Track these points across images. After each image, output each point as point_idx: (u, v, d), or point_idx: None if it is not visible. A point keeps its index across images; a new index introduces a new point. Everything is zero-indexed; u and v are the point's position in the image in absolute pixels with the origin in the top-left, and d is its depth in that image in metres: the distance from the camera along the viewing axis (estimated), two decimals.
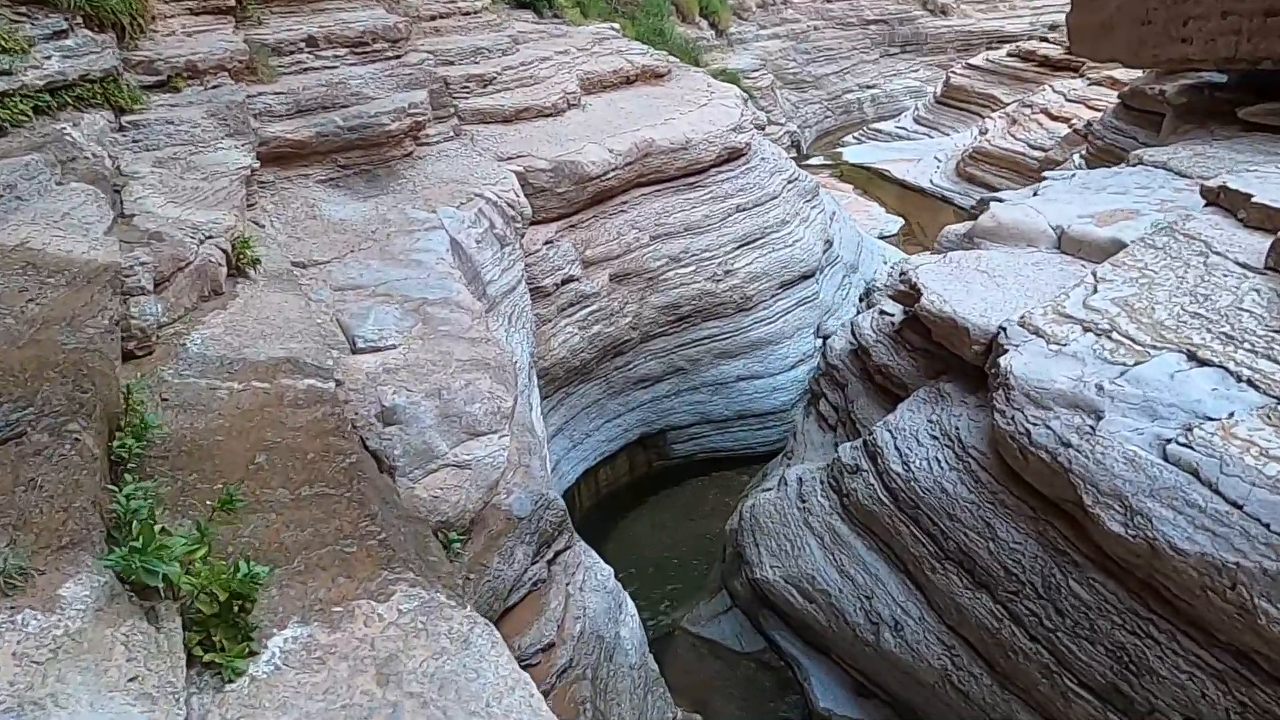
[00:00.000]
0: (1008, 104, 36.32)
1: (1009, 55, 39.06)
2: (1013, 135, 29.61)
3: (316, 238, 9.51)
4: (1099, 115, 25.53)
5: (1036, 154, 28.03)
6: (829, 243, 17.43)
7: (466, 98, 14.35)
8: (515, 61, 15.85)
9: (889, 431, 8.39)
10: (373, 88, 12.06)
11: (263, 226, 9.26)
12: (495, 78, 14.95)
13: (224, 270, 7.00)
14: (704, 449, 15.28)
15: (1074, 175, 11.60)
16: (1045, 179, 11.56)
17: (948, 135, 37.71)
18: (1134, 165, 12.22)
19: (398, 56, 12.79)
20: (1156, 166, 11.74)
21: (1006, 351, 7.27)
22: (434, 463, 6.21)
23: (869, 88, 47.93)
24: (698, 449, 15.27)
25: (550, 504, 6.96)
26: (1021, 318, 7.65)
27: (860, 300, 11.43)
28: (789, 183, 17.47)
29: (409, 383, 6.74)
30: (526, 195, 12.60)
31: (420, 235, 9.80)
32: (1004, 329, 7.63)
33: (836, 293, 16.94)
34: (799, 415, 10.76)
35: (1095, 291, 7.71)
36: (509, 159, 13.32)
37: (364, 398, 6.53)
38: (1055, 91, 31.37)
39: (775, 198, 16.48)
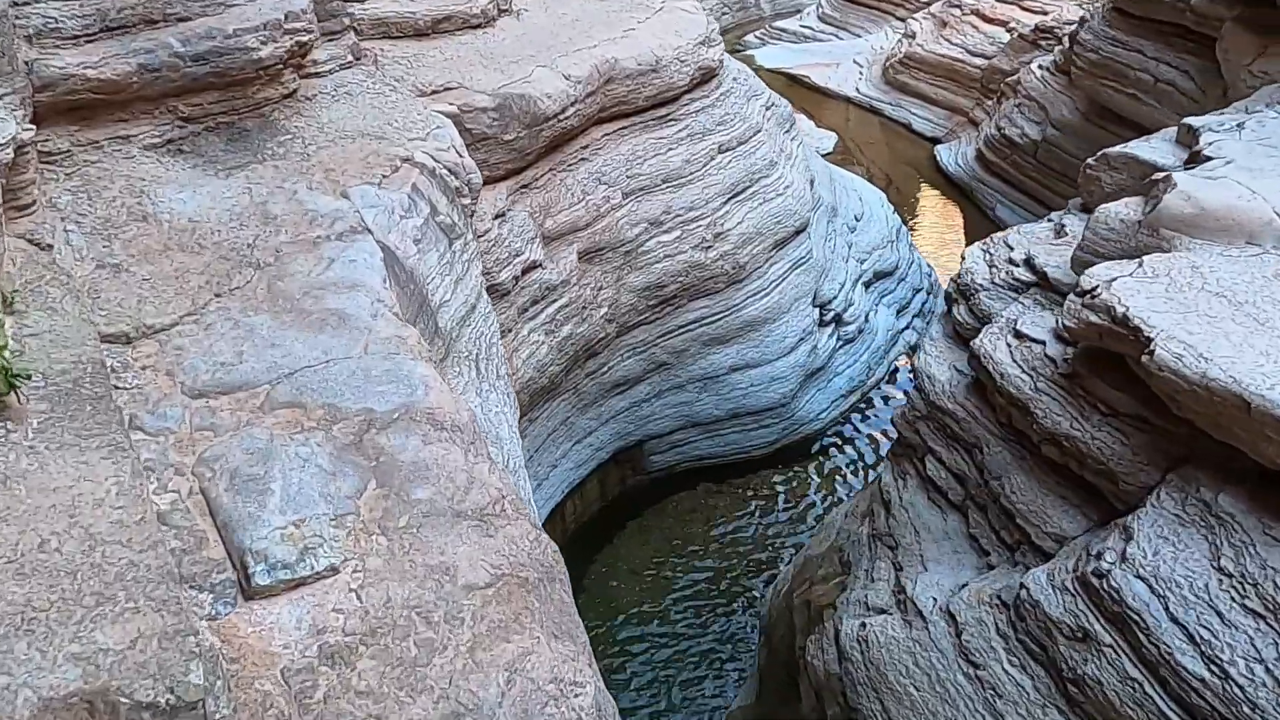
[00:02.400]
0: (928, 3, 33.00)
1: None
2: (946, 39, 26.28)
3: (148, 262, 5.31)
4: (1062, 21, 22.47)
5: (978, 60, 24.81)
6: (811, 183, 13.82)
7: (364, 2, 9.89)
8: None
9: (1142, 580, 5.05)
10: None
11: (49, 249, 5.01)
12: None
13: None
14: (688, 458, 11.78)
15: (1242, 124, 8.25)
16: (1197, 130, 8.12)
17: (860, 36, 34.16)
18: None
19: None
20: None
21: None
22: None
23: None
24: (680, 458, 11.76)
25: None
26: None
27: (948, 305, 7.95)
28: (766, 109, 13.67)
29: (387, 699, 2.92)
30: (466, 148, 8.49)
31: (332, 247, 5.70)
32: None
33: (825, 245, 13.43)
34: (887, 474, 7.41)
35: None
36: (435, 94, 9.07)
37: None
38: None
39: (759, 131, 12.68)
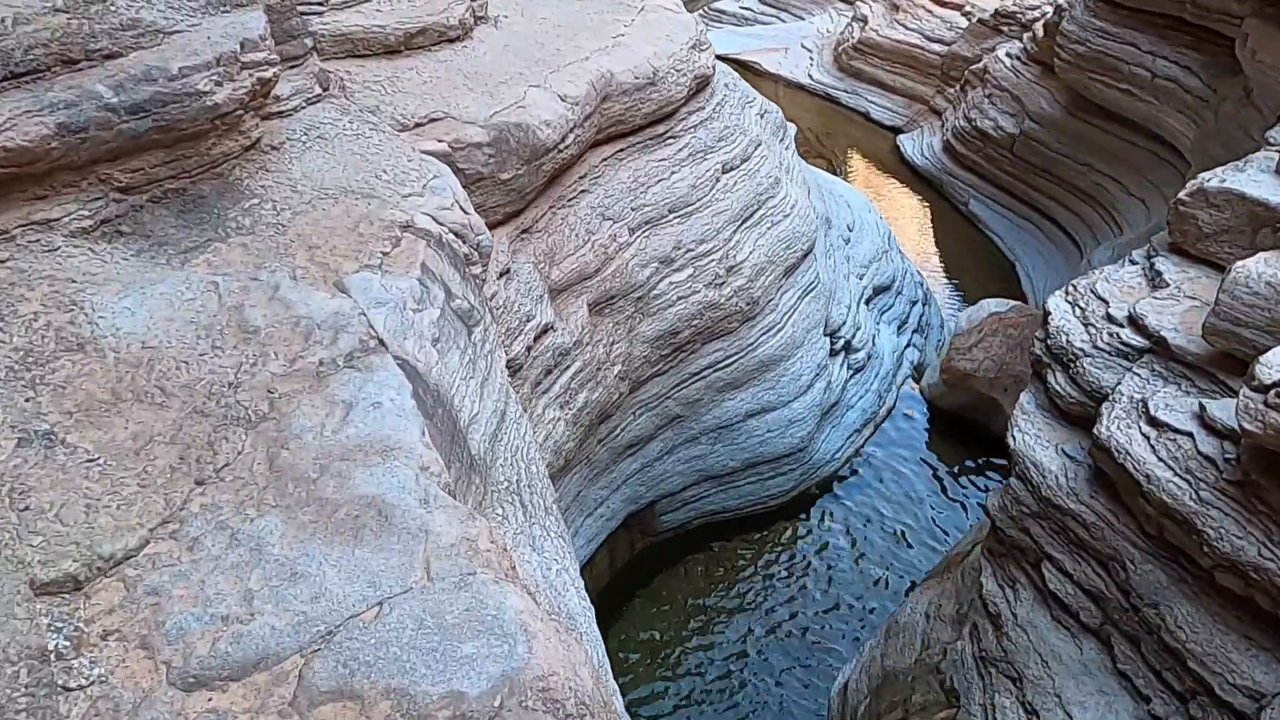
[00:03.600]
0: None
1: None
2: (901, 24, 25.20)
3: (92, 425, 3.73)
4: (1025, 5, 21.52)
5: (936, 47, 23.80)
6: (806, 192, 12.54)
7: (322, 11, 8.21)
8: None
9: None
10: (160, 7, 5.96)
11: None
12: None
13: None
14: (701, 513, 10.48)
15: None
16: None
17: (802, 19, 32.97)
18: None
19: None
20: None
21: None
22: None
23: None
24: (693, 515, 10.44)
25: None
26: None
27: (1037, 371, 6.68)
28: (761, 117, 12.32)
29: None
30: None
31: (343, 381, 4.18)
32: None
33: (828, 264, 12.19)
34: (989, 580, 6.13)
35: None
36: (418, 127, 7.49)
37: None
38: None
39: (759, 145, 11.32)
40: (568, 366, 7.92)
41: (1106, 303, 6.97)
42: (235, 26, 6.10)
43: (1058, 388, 6.63)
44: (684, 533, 10.48)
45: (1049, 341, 6.93)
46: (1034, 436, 6.50)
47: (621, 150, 9.69)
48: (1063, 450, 6.31)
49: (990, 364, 11.71)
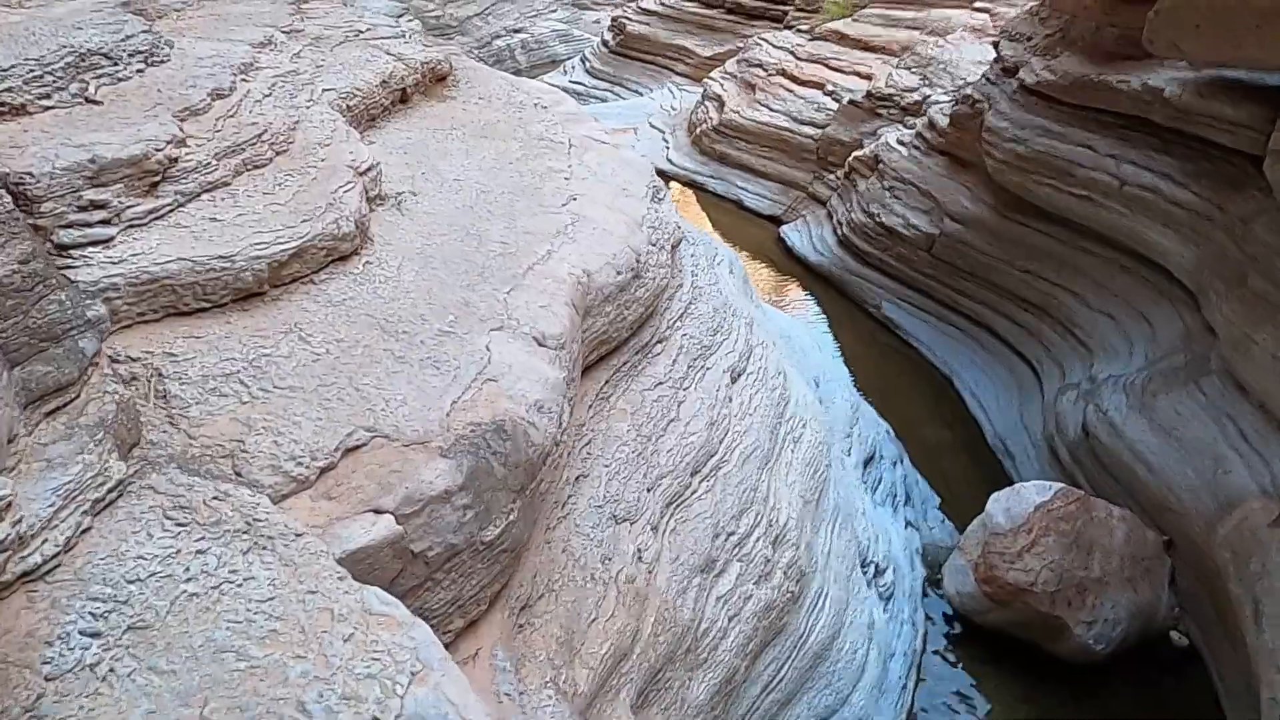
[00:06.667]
0: (706, 56, 29.88)
1: (689, 0, 32.36)
2: (763, 105, 22.93)
3: None
4: (901, 88, 19.60)
5: (808, 130, 21.63)
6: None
7: (110, 238, 4.31)
8: (162, 80, 5.73)
9: None
10: None
11: None
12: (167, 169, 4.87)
13: None
14: None
15: None
16: None
17: (640, 94, 30.47)
18: None
19: None
20: None
21: None
22: None
23: (515, 32, 39.11)
24: None
25: None
26: None
27: None
28: (730, 273, 9.17)
29: None
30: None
31: None
32: None
33: (830, 456, 9.07)
34: None
35: None
36: (327, 477, 3.76)
37: None
38: (776, 48, 25.14)
39: (751, 323, 8.13)
40: None
41: None
42: None
43: None
44: None
45: None
46: None
47: (607, 385, 6.21)
48: None
49: (1049, 574, 8.96)
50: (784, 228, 20.53)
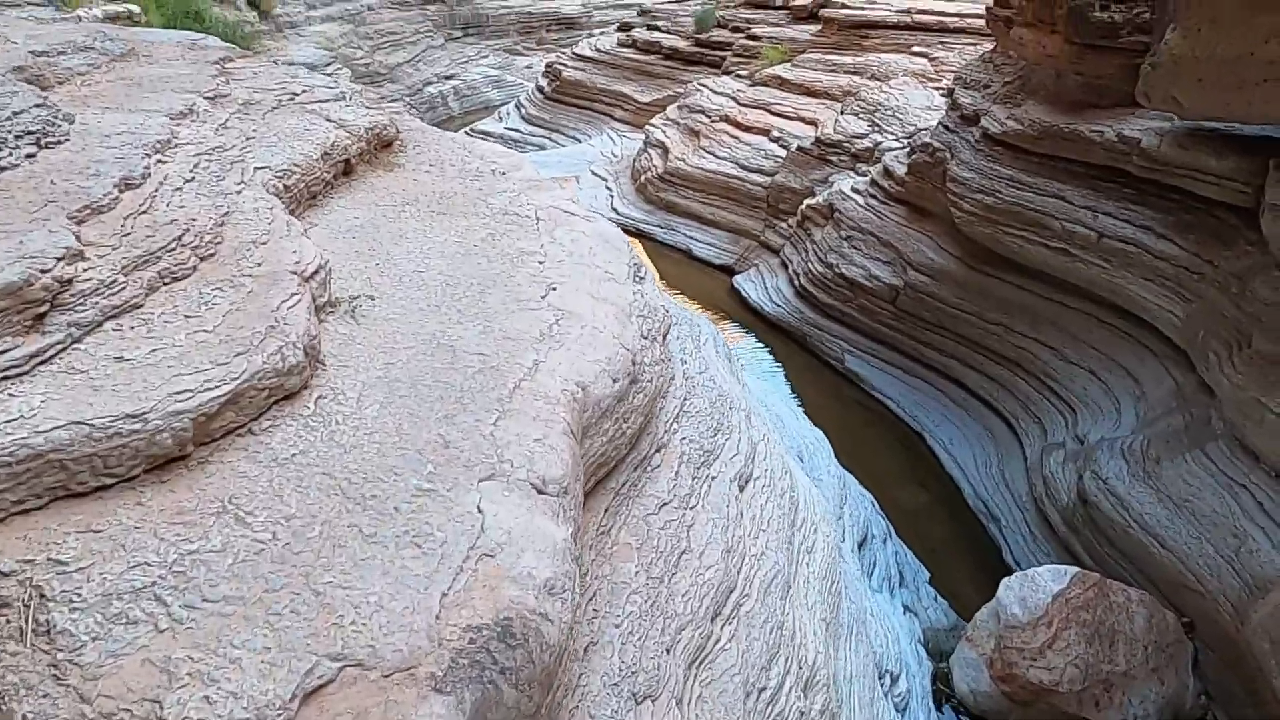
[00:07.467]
0: (644, 101, 29.34)
1: (622, 45, 31.90)
2: (709, 153, 22.35)
3: None
4: (850, 135, 19.14)
5: (757, 177, 21.06)
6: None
7: None
8: (74, 171, 4.66)
9: None
10: None
11: None
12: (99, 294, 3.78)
13: None
14: None
15: None
16: None
17: (578, 141, 29.75)
18: None
19: None
20: None
21: None
22: None
23: (447, 78, 38.19)
24: None
25: None
26: None
27: None
28: (716, 352, 8.27)
29: None
30: None
31: None
32: None
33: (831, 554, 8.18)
34: None
35: None
36: None
37: None
38: (717, 94, 24.71)
39: (748, 413, 7.24)
40: None
41: None
42: None
43: None
44: None
45: None
46: None
47: (606, 514, 5.21)
48: None
49: (1075, 671, 8.18)
50: (737, 278, 19.84)
